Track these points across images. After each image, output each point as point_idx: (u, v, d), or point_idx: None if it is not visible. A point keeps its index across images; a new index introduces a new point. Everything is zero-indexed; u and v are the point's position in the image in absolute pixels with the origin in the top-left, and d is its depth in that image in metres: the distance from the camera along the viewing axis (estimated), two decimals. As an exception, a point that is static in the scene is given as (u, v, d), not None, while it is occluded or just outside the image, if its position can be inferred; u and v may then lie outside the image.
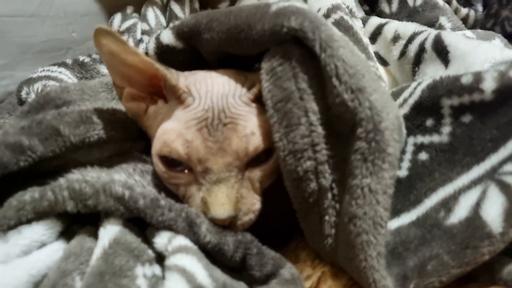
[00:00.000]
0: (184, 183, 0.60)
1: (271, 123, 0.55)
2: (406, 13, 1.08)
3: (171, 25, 0.70)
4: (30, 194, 0.54)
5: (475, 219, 0.54)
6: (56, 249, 0.54)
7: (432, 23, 1.02)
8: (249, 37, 0.58)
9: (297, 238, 0.70)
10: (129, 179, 0.60)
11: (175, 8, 1.26)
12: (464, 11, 1.16)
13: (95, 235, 0.56)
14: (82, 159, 0.61)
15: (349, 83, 0.50)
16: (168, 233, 0.55)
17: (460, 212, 0.56)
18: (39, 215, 0.54)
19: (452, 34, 0.79)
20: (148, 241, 0.57)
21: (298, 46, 0.55)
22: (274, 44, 0.56)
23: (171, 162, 0.58)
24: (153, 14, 1.25)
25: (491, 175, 0.57)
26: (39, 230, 0.54)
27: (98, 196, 0.54)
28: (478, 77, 0.59)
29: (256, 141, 0.57)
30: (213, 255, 0.56)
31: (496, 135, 0.58)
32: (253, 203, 0.60)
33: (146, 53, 0.73)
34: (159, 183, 0.63)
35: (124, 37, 1.22)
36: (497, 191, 0.54)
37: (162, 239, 0.55)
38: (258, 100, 0.60)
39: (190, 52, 0.70)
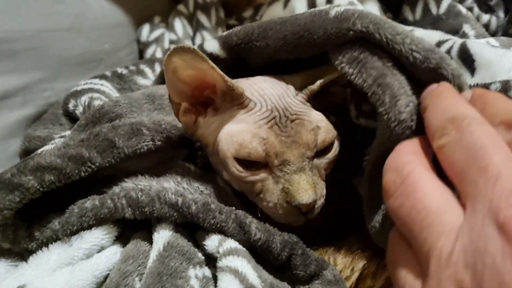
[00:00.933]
0: (261, 179, 0.64)
1: (372, 101, 0.57)
2: (429, 21, 1.11)
3: (216, 36, 0.75)
4: (91, 202, 0.59)
5: None
6: (114, 252, 0.58)
7: (455, 31, 1.04)
8: (310, 42, 0.63)
9: (332, 242, 0.73)
10: (178, 187, 0.64)
11: (202, 18, 1.30)
12: (485, 17, 1.18)
13: (148, 239, 0.60)
14: (132, 168, 0.65)
15: (432, 64, 0.54)
16: (218, 236, 0.59)
17: None
18: (98, 221, 0.59)
19: (477, 43, 0.81)
20: (197, 244, 0.61)
21: (367, 41, 0.59)
22: (335, 46, 0.62)
23: (247, 161, 0.62)
24: (180, 24, 1.29)
25: None
26: (99, 235, 0.58)
27: (154, 203, 0.58)
28: (506, 85, 0.62)
29: (322, 134, 0.63)
30: (260, 252, 0.60)
31: None
32: (322, 188, 0.65)
33: None
34: (205, 190, 0.67)
35: (152, 48, 1.28)
36: None
37: (212, 242, 0.58)
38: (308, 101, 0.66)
39: (231, 61, 0.75)
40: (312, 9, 0.68)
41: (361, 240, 0.74)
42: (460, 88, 0.58)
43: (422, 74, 0.59)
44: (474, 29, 1.04)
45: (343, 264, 0.67)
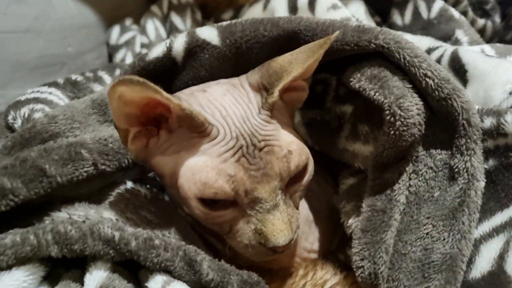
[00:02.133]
0: (229, 220, 0.55)
1: (388, 119, 0.57)
2: (419, 26, 1.03)
3: (214, 24, 0.71)
4: (11, 238, 0.50)
5: (499, 274, 0.52)
6: (39, 297, 0.49)
7: (448, 37, 0.97)
8: None
9: (303, 277, 0.64)
10: (120, 217, 0.55)
11: (176, 20, 1.22)
12: (481, 22, 1.11)
13: (81, 280, 0.51)
14: (69, 195, 0.56)
15: (443, 93, 0.57)
16: (164, 276, 0.51)
17: (483, 265, 0.54)
18: (20, 261, 0.50)
19: (470, 52, 0.74)
20: (141, 285, 0.52)
21: (384, 59, 0.61)
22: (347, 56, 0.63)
23: (212, 201, 0.54)
24: (153, 26, 1.21)
25: None
26: (20, 277, 0.49)
27: (85, 239, 0.49)
28: (500, 120, 0.57)
29: (295, 159, 0.55)
30: None
31: None
32: (297, 218, 0.58)
33: (170, 49, 0.70)
34: (154, 219, 0.58)
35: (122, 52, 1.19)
36: None
37: (155, 284, 0.50)
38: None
39: (229, 53, 0.69)
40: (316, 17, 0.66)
41: (336, 272, 0.66)
42: (468, 122, 0.56)
43: (432, 101, 0.58)
44: (467, 35, 0.97)
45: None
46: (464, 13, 1.07)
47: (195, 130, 0.54)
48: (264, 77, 0.58)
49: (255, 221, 0.54)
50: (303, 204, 0.72)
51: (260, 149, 0.54)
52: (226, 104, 0.56)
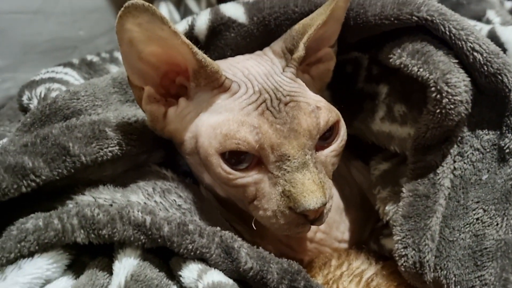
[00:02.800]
0: (254, 181, 0.51)
1: (432, 97, 0.54)
2: (448, 6, 0.98)
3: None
4: (33, 222, 0.46)
5: None
6: (63, 287, 0.46)
7: (478, 18, 0.93)
8: (360, 17, 0.60)
9: (338, 267, 0.61)
10: (148, 201, 0.51)
11: (190, 3, 1.17)
12: (508, 4, 1.06)
13: (108, 269, 0.48)
14: (93, 177, 0.53)
15: (492, 68, 0.54)
16: (198, 264, 0.47)
17: None
18: (43, 247, 0.46)
19: (509, 30, 0.70)
20: (172, 274, 0.48)
21: (425, 33, 0.58)
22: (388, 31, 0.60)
23: (236, 158, 0.50)
24: (166, 9, 1.16)
25: None
26: (43, 265, 0.46)
27: (114, 224, 0.46)
28: None
29: (324, 115, 0.52)
30: (253, 285, 0.49)
31: None
32: (331, 187, 0.54)
33: (192, 27, 0.67)
34: (183, 203, 0.54)
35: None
36: None
37: (191, 273, 0.47)
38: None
39: (257, 33, 0.66)
40: None
41: (371, 262, 0.62)
42: None
43: (479, 77, 0.55)
44: (499, 16, 0.92)
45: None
46: (493, -5, 1.03)
47: (213, 85, 0.52)
48: (288, 41, 0.57)
49: (283, 182, 0.50)
50: (334, 192, 0.68)
51: (286, 104, 0.51)
52: (249, 65, 0.56)
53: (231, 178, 0.51)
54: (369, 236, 0.72)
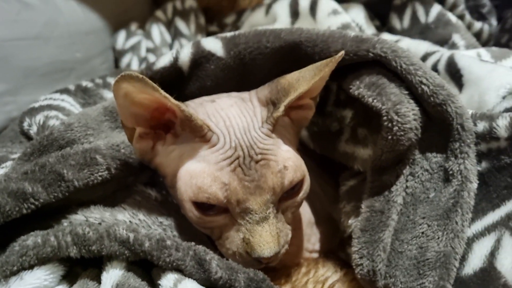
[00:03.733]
0: (220, 226, 0.59)
1: (385, 125, 0.61)
2: (418, 30, 1.06)
3: (218, 35, 0.74)
4: (33, 239, 0.53)
5: (489, 270, 0.54)
6: (59, 295, 0.53)
7: (445, 41, 1.00)
8: (324, 53, 0.66)
9: (306, 273, 0.68)
10: (133, 219, 0.59)
11: (180, 25, 1.24)
12: (477, 25, 1.13)
13: (98, 279, 0.55)
14: (85, 198, 0.60)
15: (438, 99, 0.60)
16: (175, 275, 0.54)
17: (475, 262, 0.57)
18: (41, 261, 0.53)
19: (466, 57, 0.77)
20: (154, 283, 0.55)
21: (381, 67, 0.64)
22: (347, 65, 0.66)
23: (206, 206, 0.57)
24: (158, 31, 1.23)
25: (506, 222, 0.57)
26: (41, 276, 0.53)
27: (102, 241, 0.52)
28: (492, 124, 0.60)
29: (290, 175, 0.57)
30: None
31: (510, 183, 0.58)
32: (287, 234, 0.61)
33: (176, 59, 0.73)
34: (165, 220, 0.61)
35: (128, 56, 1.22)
36: (511, 240, 0.55)
37: (168, 282, 0.53)
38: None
39: (233, 64, 0.72)
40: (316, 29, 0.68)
41: (337, 270, 0.69)
42: (462, 127, 0.59)
43: (428, 107, 0.61)
44: (464, 39, 0.99)
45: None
46: (461, 16, 1.10)
47: (197, 135, 0.57)
48: (273, 93, 0.60)
49: (244, 230, 0.57)
50: (306, 208, 0.76)
51: (257, 162, 0.56)
52: (231, 114, 0.59)
53: (200, 221, 0.58)
54: (338, 245, 0.79)
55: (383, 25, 1.17)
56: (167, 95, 0.52)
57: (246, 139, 0.57)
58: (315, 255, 0.76)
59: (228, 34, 0.73)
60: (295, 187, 0.59)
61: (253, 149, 0.57)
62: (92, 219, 0.57)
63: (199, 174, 0.55)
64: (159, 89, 0.51)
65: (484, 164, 0.61)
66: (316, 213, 0.77)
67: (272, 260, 0.58)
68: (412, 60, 0.62)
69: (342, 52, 0.61)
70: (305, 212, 0.75)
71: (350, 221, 0.69)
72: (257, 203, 0.56)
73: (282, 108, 0.58)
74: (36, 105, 0.76)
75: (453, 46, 0.99)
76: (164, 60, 0.75)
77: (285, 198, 0.59)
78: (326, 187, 0.80)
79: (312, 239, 0.76)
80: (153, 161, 0.61)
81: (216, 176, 0.55)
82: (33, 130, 0.71)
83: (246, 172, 0.56)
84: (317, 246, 0.76)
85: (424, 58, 0.84)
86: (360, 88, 0.64)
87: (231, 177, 0.55)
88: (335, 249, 0.78)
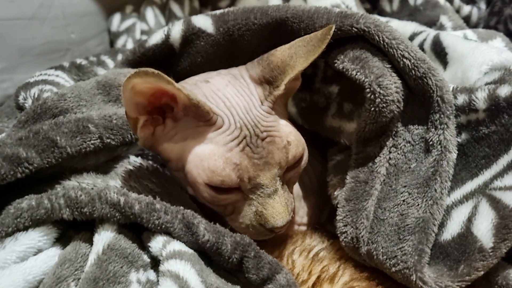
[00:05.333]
0: (233, 201, 0.61)
1: (368, 97, 0.63)
2: (407, 12, 1.08)
3: (208, 12, 0.76)
4: (27, 202, 0.55)
5: (466, 235, 0.57)
6: (52, 255, 0.55)
7: (433, 22, 1.02)
8: (309, 28, 0.68)
9: (293, 242, 0.70)
10: (124, 185, 0.61)
11: (174, 7, 1.26)
12: (467, 9, 1.15)
13: (90, 241, 0.57)
14: (78, 166, 0.62)
15: (419, 72, 0.62)
16: (164, 237, 0.56)
17: (453, 228, 0.59)
18: (35, 222, 0.55)
19: (451, 35, 0.78)
20: (144, 246, 0.57)
21: (365, 41, 0.65)
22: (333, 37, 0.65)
23: (218, 187, 0.59)
24: (152, 14, 1.25)
25: (483, 190, 0.60)
26: (35, 237, 0.55)
27: (94, 203, 0.54)
28: (471, 97, 0.62)
29: (293, 150, 0.60)
30: (210, 255, 0.57)
31: (488, 153, 0.61)
32: (292, 202, 0.64)
33: (168, 36, 0.75)
34: (155, 187, 0.64)
35: (123, 38, 1.24)
36: (487, 206, 0.57)
37: (157, 244, 0.55)
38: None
39: (222, 41, 0.74)
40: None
41: (323, 240, 0.71)
42: (441, 99, 0.61)
43: (409, 80, 0.64)
44: (451, 21, 1.01)
45: (301, 267, 0.64)
46: (450, 1, 1.11)
47: (201, 119, 0.58)
48: (266, 71, 0.62)
49: (257, 204, 0.60)
50: None
51: (263, 139, 0.59)
52: (229, 95, 0.61)
53: (215, 200, 0.60)
54: (326, 219, 0.81)
55: (374, 8, 1.18)
56: (179, 86, 0.53)
57: (249, 118, 0.59)
58: (303, 228, 0.78)
59: (218, 12, 0.74)
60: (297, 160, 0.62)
61: (257, 127, 0.59)
62: (85, 184, 0.59)
63: (209, 157, 0.57)
64: (173, 81, 0.52)
65: (463, 136, 0.64)
66: (304, 188, 0.80)
67: (283, 228, 0.61)
68: (394, 34, 0.64)
69: (333, 26, 0.63)
70: (294, 185, 0.77)
71: (336, 193, 0.71)
72: (267, 178, 0.58)
73: (282, 87, 0.60)
74: (31, 80, 0.78)
75: (441, 27, 1.01)
76: (156, 38, 0.76)
77: (288, 170, 0.62)
78: (315, 162, 0.82)
79: (300, 212, 0.79)
80: (155, 147, 0.62)
81: (227, 158, 0.57)
82: (28, 103, 0.73)
83: (254, 150, 0.58)
84: (305, 220, 0.79)
85: (411, 38, 0.85)
86: (344, 62, 0.66)
87: (241, 157, 0.57)
88: (324, 222, 0.80)
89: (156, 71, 0.50)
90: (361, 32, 0.65)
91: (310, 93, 0.78)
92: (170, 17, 1.25)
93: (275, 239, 0.72)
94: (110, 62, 0.98)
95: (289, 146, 0.60)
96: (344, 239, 0.65)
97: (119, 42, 1.21)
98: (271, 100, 0.61)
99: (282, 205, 0.59)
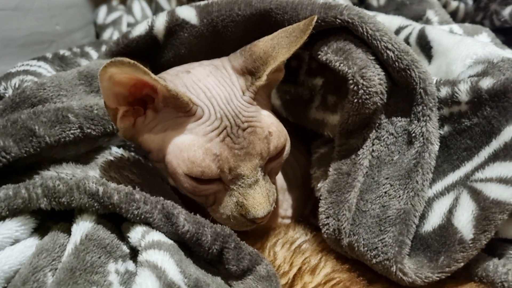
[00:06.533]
0: (214, 192, 0.61)
1: (351, 88, 0.62)
2: (394, 6, 1.07)
3: (193, 4, 0.75)
4: (4, 192, 0.54)
5: (447, 226, 0.57)
6: (29, 245, 0.54)
7: (419, 17, 1.02)
8: (293, 19, 0.67)
9: (276, 234, 0.70)
10: (104, 176, 0.60)
11: (161, 0, 1.25)
12: (454, 4, 1.15)
13: (68, 231, 0.56)
14: (58, 156, 0.61)
15: (402, 64, 0.62)
16: (143, 227, 0.55)
17: (434, 219, 0.59)
18: (13, 212, 0.54)
19: (436, 29, 0.78)
20: (123, 237, 0.57)
21: (349, 33, 0.65)
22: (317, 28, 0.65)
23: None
24: (139, 6, 1.24)
25: (464, 181, 0.60)
26: (12, 227, 0.54)
27: (72, 193, 0.54)
28: (454, 89, 0.62)
29: (275, 141, 0.60)
30: (190, 246, 0.57)
31: (469, 145, 0.61)
32: (274, 193, 0.64)
33: (151, 27, 0.74)
34: (136, 178, 0.63)
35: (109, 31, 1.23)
36: (468, 198, 0.57)
37: (136, 234, 0.55)
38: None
39: (206, 32, 0.74)
40: None
41: (306, 233, 0.71)
42: (424, 91, 0.61)
43: (393, 72, 0.64)
44: (438, 15, 1.01)
45: (283, 259, 0.64)
46: (438, -5, 1.11)
47: (181, 110, 0.57)
48: (248, 62, 0.61)
49: (237, 194, 0.59)
50: (278, 175, 0.78)
51: (244, 130, 0.58)
52: (210, 85, 0.60)
53: (196, 190, 0.60)
54: (310, 212, 0.81)
55: (361, 2, 1.18)
56: (156, 77, 0.53)
57: (230, 109, 0.59)
58: (287, 221, 0.78)
59: (202, 3, 0.74)
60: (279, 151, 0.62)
61: (238, 118, 0.58)
62: (64, 174, 0.59)
63: (189, 147, 0.57)
64: (150, 72, 0.52)
65: (446, 128, 0.64)
66: (288, 181, 0.79)
67: (264, 219, 0.60)
68: (378, 26, 0.64)
69: (315, 17, 0.62)
70: (278, 178, 0.77)
71: (319, 185, 0.71)
72: (248, 169, 0.58)
73: (264, 77, 0.60)
74: (13, 70, 0.77)
75: (427, 22, 1.01)
76: (139, 29, 0.76)
77: (269, 160, 0.62)
78: (299, 155, 0.82)
79: (284, 205, 0.78)
80: (136, 138, 0.61)
81: (207, 148, 0.57)
82: (9, 93, 0.72)
83: (235, 141, 0.58)
84: (289, 212, 0.79)
85: (397, 32, 0.85)
86: (328, 53, 0.65)
87: (221, 147, 0.57)
88: (307, 215, 0.80)
89: (132, 61, 0.50)
90: (345, 24, 0.64)
91: (294, 85, 0.78)
92: (157, 9, 1.24)
93: (258, 231, 0.72)
94: (94, 54, 0.97)
95: (271, 137, 0.60)
96: (326, 231, 0.65)
97: (105, 35, 1.20)
98: (252, 90, 0.60)
99: (263, 196, 0.59)
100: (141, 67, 0.51)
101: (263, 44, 0.62)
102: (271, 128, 0.60)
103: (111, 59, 0.50)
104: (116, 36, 1.19)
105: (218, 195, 0.61)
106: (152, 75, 0.52)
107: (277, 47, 0.61)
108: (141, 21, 1.20)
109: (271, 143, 0.60)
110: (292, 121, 0.79)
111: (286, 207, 0.79)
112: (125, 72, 0.52)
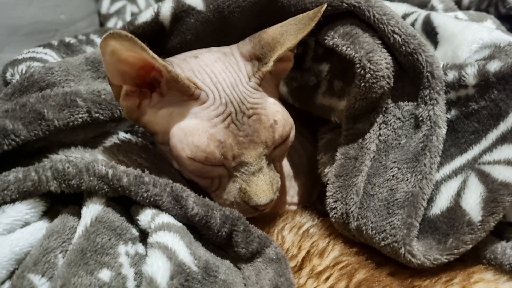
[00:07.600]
0: (219, 175, 0.61)
1: (358, 72, 0.62)
2: (398, -7, 1.07)
3: None
4: (14, 175, 0.55)
5: (456, 209, 0.57)
6: (40, 228, 0.55)
7: (424, 4, 1.01)
8: (299, 4, 0.66)
9: (283, 219, 0.70)
10: (113, 159, 0.60)
11: (165, -11, 1.24)
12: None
13: (78, 214, 0.56)
14: (67, 140, 0.61)
15: (409, 48, 0.61)
16: (152, 210, 0.56)
17: (442, 202, 0.59)
18: (23, 195, 0.54)
19: (441, 15, 0.78)
20: (132, 219, 0.57)
21: (355, 18, 0.65)
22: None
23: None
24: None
25: (472, 164, 0.60)
26: (23, 209, 0.54)
27: (82, 175, 0.54)
28: (461, 73, 0.62)
29: (280, 129, 0.60)
30: (199, 229, 0.57)
31: (477, 128, 0.61)
32: (278, 181, 0.64)
33: (157, 14, 0.74)
34: (144, 162, 0.63)
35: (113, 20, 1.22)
36: (476, 180, 0.57)
37: (145, 217, 0.55)
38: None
39: (213, 18, 0.73)
40: None
41: (313, 218, 0.72)
42: (431, 75, 0.61)
43: (399, 56, 0.63)
44: (442, 3, 1.01)
45: (291, 242, 0.64)
46: (443, -18, 1.11)
47: (185, 94, 0.58)
48: (257, 48, 0.61)
49: (241, 181, 0.59)
50: (284, 161, 0.78)
51: (249, 117, 0.58)
52: (216, 70, 0.60)
53: (201, 172, 0.60)
54: (316, 198, 0.81)
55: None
56: (155, 55, 0.53)
57: (235, 95, 0.59)
58: (294, 207, 0.78)
59: None
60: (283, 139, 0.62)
61: (243, 104, 0.58)
62: (73, 158, 0.59)
63: (193, 131, 0.57)
64: (147, 49, 0.52)
65: (453, 112, 0.64)
66: (294, 167, 0.79)
67: (267, 206, 0.61)
68: (385, 10, 0.63)
69: (325, 5, 0.62)
70: (284, 165, 0.77)
71: (326, 170, 0.71)
72: (252, 156, 0.58)
73: (271, 63, 0.60)
74: (19, 57, 0.77)
75: (432, 9, 1.00)
76: (145, 15, 0.76)
77: (274, 148, 0.62)
78: (305, 142, 0.82)
79: (290, 191, 0.78)
80: (141, 119, 0.61)
81: (211, 134, 0.57)
82: (16, 80, 0.72)
83: (239, 128, 0.58)
84: (295, 199, 0.79)
85: (403, 18, 0.85)
86: (334, 38, 0.65)
87: (226, 134, 0.57)
88: (314, 201, 0.80)
89: (130, 35, 0.50)
90: (352, 8, 0.64)
91: (300, 72, 0.78)
92: (160, -2, 1.24)
93: (265, 217, 0.72)
94: (99, 41, 0.96)
95: (276, 125, 0.59)
96: (334, 215, 0.65)
97: (109, 24, 1.21)
98: (258, 76, 0.60)
99: (266, 183, 0.59)
100: (139, 42, 0.51)
101: (272, 31, 0.62)
102: (276, 117, 0.60)
103: (110, 30, 0.50)
104: (120, 25, 1.19)
105: (222, 180, 0.61)
106: (151, 52, 0.53)
107: (286, 34, 0.61)
108: (145, 10, 1.21)
109: (276, 131, 0.60)
110: (299, 108, 0.79)
111: (293, 194, 0.79)
112: (126, 48, 0.52)
